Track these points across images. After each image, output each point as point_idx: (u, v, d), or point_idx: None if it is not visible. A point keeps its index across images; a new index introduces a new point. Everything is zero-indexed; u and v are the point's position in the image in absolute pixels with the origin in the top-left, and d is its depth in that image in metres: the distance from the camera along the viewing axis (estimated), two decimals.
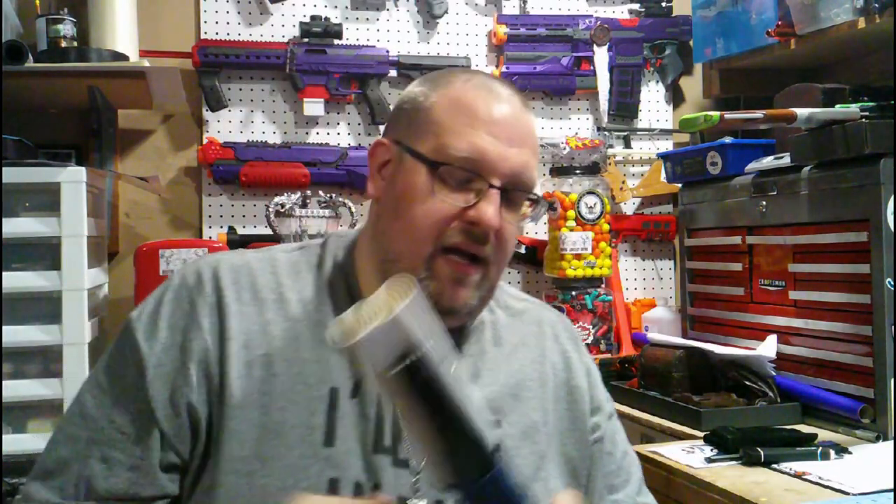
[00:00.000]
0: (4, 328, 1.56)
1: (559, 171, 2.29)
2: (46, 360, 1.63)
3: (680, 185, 2.12)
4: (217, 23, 2.22)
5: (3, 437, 1.55)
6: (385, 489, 0.90)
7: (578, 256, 2.22)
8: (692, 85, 2.51)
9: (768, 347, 1.73)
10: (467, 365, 1.00)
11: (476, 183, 0.91)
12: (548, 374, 1.05)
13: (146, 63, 1.87)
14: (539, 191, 1.10)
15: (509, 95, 0.96)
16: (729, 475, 1.32)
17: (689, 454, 1.44)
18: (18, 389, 1.60)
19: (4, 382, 1.57)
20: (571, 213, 2.22)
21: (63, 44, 1.89)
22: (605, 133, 2.43)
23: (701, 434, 1.53)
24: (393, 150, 0.97)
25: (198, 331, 0.92)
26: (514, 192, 0.93)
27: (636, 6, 2.49)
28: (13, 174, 1.61)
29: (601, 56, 2.41)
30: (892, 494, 1.18)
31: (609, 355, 2.16)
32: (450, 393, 0.68)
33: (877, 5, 1.74)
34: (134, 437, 0.89)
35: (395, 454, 0.92)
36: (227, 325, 0.93)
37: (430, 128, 0.94)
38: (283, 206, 2.04)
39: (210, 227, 2.20)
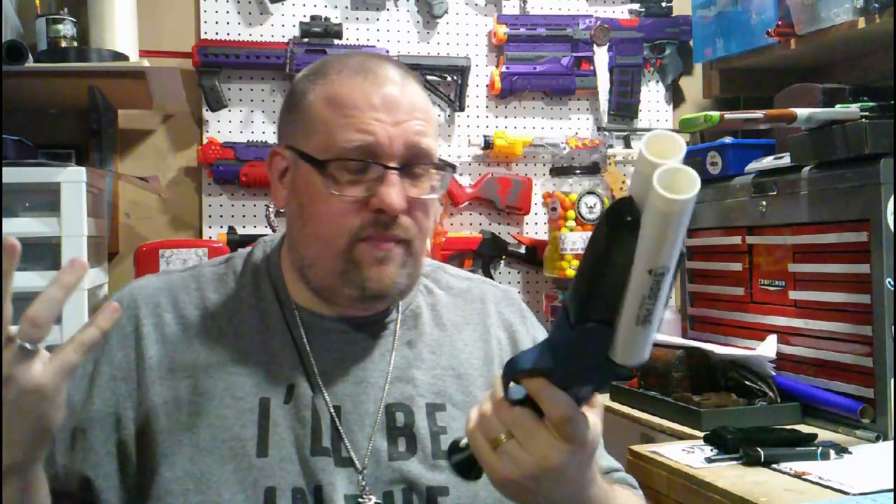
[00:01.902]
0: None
1: (559, 171, 2.29)
2: None
3: None
4: (217, 23, 2.22)
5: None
6: (327, 490, 0.90)
7: (578, 256, 2.22)
8: (692, 85, 2.51)
9: (768, 347, 1.73)
10: (407, 350, 1.00)
11: (372, 170, 0.90)
12: (493, 351, 1.04)
13: (146, 63, 1.87)
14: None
15: (386, 72, 0.94)
16: (729, 475, 1.32)
17: (689, 454, 1.44)
18: None
19: None
20: (571, 213, 2.22)
21: (63, 44, 1.89)
22: (605, 133, 2.43)
23: (701, 434, 1.53)
24: (288, 156, 0.96)
25: (108, 365, 0.93)
26: (414, 166, 0.92)
27: (636, 6, 2.49)
28: (13, 174, 1.61)
29: (601, 56, 2.41)
30: (892, 494, 1.18)
31: None
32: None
33: (877, 5, 1.74)
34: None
35: (336, 453, 0.92)
36: (146, 353, 0.93)
37: (314, 127, 0.93)
38: None
39: (210, 227, 2.20)
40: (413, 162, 0.92)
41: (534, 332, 1.09)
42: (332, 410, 0.94)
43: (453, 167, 0.98)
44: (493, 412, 0.72)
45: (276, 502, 0.89)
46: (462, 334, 1.03)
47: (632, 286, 0.61)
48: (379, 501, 0.91)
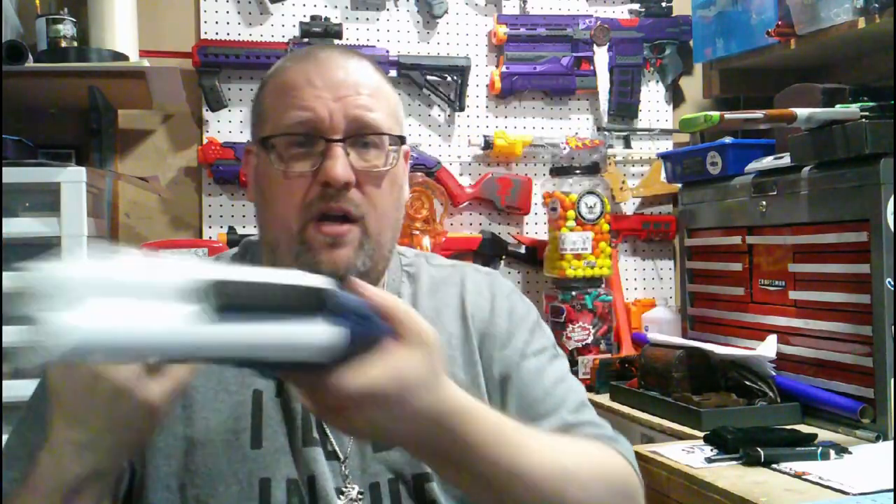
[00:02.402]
0: (4, 328, 1.56)
1: (559, 171, 2.29)
2: None
3: (680, 185, 2.12)
4: (217, 23, 2.22)
5: (3, 436, 1.55)
6: (320, 480, 0.90)
7: (578, 256, 2.22)
8: (692, 85, 2.51)
9: (768, 347, 1.73)
10: None
11: (316, 145, 0.91)
12: (471, 329, 1.03)
13: (146, 63, 1.87)
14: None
15: (331, 56, 0.96)
16: (729, 475, 1.32)
17: (689, 454, 1.44)
18: (18, 389, 1.59)
19: (4, 382, 1.57)
20: (571, 213, 2.22)
21: (63, 44, 1.89)
22: (605, 133, 2.43)
23: (701, 434, 1.53)
24: (253, 150, 0.99)
25: None
26: (360, 136, 0.92)
27: (636, 6, 2.49)
28: (13, 174, 1.61)
29: (601, 56, 2.41)
30: (892, 494, 1.18)
31: (609, 355, 2.16)
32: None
33: (877, 5, 1.74)
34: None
35: (324, 446, 0.93)
36: None
37: (266, 115, 0.96)
38: None
39: (210, 227, 2.20)
40: (357, 133, 0.92)
41: (510, 305, 1.05)
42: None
43: (402, 139, 0.97)
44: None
45: (272, 493, 0.90)
46: (442, 318, 1.02)
47: None
48: (362, 491, 0.92)
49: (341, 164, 0.90)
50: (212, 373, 0.93)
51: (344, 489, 0.92)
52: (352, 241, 0.92)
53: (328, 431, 0.94)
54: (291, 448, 0.92)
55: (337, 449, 0.94)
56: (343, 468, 0.93)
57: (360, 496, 0.92)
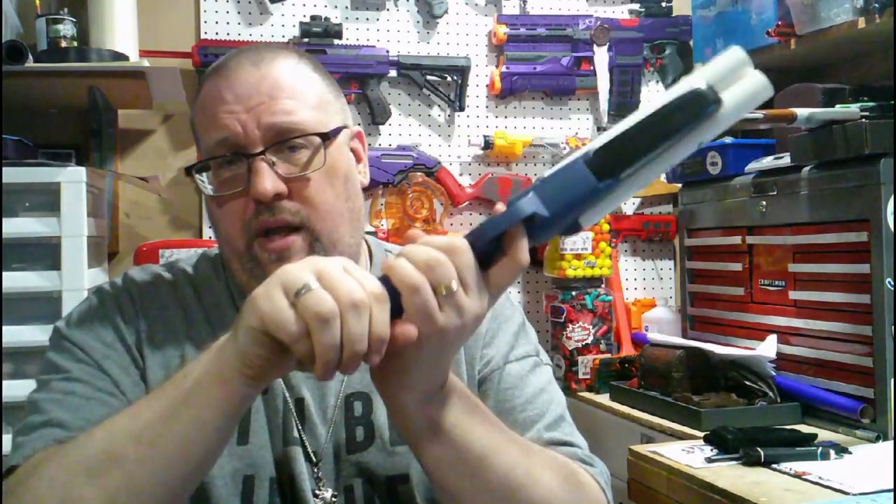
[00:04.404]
0: (4, 328, 1.56)
1: None
2: None
3: (680, 185, 2.12)
4: (217, 23, 2.22)
5: (3, 436, 1.55)
6: (298, 480, 0.91)
7: (578, 256, 2.22)
8: None
9: (768, 347, 1.73)
10: None
11: (240, 163, 0.89)
12: None
13: (146, 63, 1.87)
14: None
15: (240, 62, 0.92)
16: (729, 475, 1.32)
17: (689, 454, 1.44)
18: (18, 389, 1.60)
19: (4, 382, 1.57)
20: None
21: (63, 44, 1.89)
22: None
23: (701, 434, 1.53)
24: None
25: (119, 332, 0.93)
26: (280, 146, 0.89)
27: (636, 6, 2.49)
28: (13, 174, 1.61)
29: (601, 56, 2.41)
30: (892, 494, 1.18)
31: (609, 355, 2.16)
32: None
33: (877, 5, 1.74)
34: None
35: (304, 446, 0.93)
36: (143, 329, 0.94)
37: (197, 142, 0.96)
38: None
39: (210, 227, 2.20)
40: (275, 141, 0.89)
41: (495, 307, 1.04)
42: (293, 404, 0.95)
43: (325, 135, 0.92)
44: (453, 257, 0.68)
45: (255, 491, 0.90)
46: None
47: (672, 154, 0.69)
48: (336, 494, 0.92)
49: (267, 177, 0.87)
50: None
51: (317, 491, 0.91)
52: (299, 251, 0.89)
53: (304, 431, 0.94)
54: (273, 446, 0.92)
55: (310, 450, 0.94)
56: (316, 470, 0.93)
57: (333, 499, 0.92)
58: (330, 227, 0.91)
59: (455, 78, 2.31)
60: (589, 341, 2.19)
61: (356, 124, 1.05)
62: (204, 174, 0.92)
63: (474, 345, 1.00)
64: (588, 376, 2.10)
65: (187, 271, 1.01)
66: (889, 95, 1.62)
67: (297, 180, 0.89)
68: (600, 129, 2.44)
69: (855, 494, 1.20)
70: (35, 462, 0.80)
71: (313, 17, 2.22)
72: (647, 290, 2.48)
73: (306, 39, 2.21)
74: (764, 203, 1.77)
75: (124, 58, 1.92)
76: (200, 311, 0.97)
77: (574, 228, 0.72)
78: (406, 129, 2.34)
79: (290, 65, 0.93)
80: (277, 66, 0.92)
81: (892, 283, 1.48)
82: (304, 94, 0.92)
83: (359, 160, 1.00)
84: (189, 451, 0.72)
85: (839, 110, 1.57)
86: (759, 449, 1.37)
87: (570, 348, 2.17)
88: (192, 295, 0.98)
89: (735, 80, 0.68)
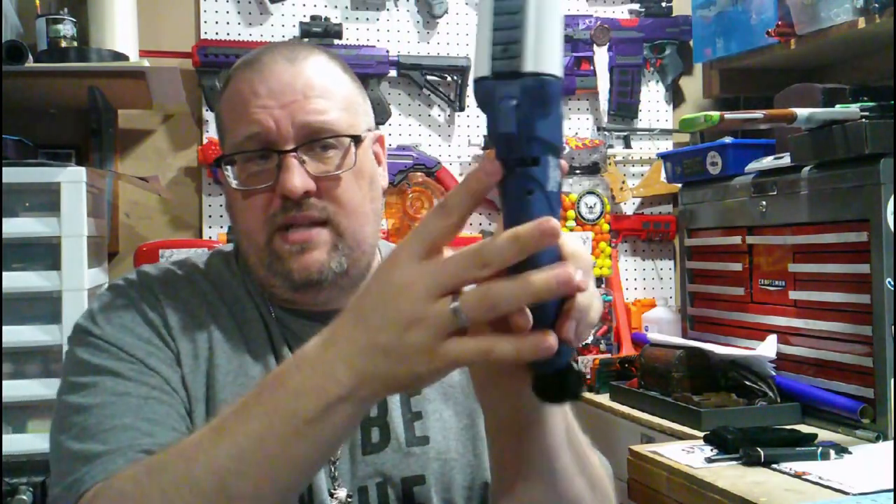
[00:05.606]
0: (4, 328, 1.56)
1: None
2: (46, 360, 1.63)
3: (680, 185, 2.12)
4: (217, 23, 2.22)
5: (3, 437, 1.55)
6: (315, 479, 0.89)
7: None
8: (692, 85, 2.51)
9: (768, 347, 1.73)
10: None
11: (270, 158, 0.89)
12: None
13: (146, 63, 1.87)
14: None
15: (274, 58, 0.92)
16: (729, 475, 1.32)
17: (689, 454, 1.44)
18: (18, 389, 1.60)
19: (4, 382, 1.57)
20: (571, 213, 2.22)
21: (63, 44, 1.89)
22: (605, 133, 2.43)
23: (701, 434, 1.53)
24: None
25: (154, 326, 0.91)
26: (312, 144, 0.89)
27: (636, 6, 2.49)
28: (13, 174, 1.61)
29: (601, 56, 2.41)
30: (892, 494, 1.18)
31: (609, 355, 2.16)
32: None
33: (877, 5, 1.74)
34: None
35: None
36: (170, 317, 0.92)
37: (222, 132, 0.95)
38: None
39: (210, 227, 2.20)
40: (309, 140, 0.89)
41: None
42: None
43: (357, 137, 0.92)
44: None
45: None
46: None
47: None
48: (351, 494, 0.91)
49: (297, 175, 0.87)
50: (233, 356, 0.92)
51: (333, 491, 0.91)
52: (322, 244, 0.90)
53: None
54: None
55: None
56: (332, 469, 0.92)
57: (348, 499, 0.91)
58: (355, 225, 0.92)
59: (455, 78, 2.31)
60: (589, 341, 2.19)
61: None
62: (229, 167, 0.92)
63: None
64: (588, 376, 2.10)
65: (200, 267, 1.00)
66: (889, 95, 1.62)
67: (328, 179, 0.90)
68: (600, 130, 2.44)
69: (855, 494, 1.20)
70: (130, 476, 0.74)
71: (313, 17, 2.22)
72: (647, 290, 2.48)
73: (306, 39, 2.21)
74: (764, 203, 1.77)
75: (124, 58, 1.92)
76: (223, 306, 0.96)
77: (549, 147, 0.60)
78: (406, 129, 2.34)
79: (322, 64, 0.94)
80: (311, 65, 0.92)
81: (892, 283, 1.48)
82: (335, 95, 0.93)
83: (379, 163, 1.01)
84: (309, 474, 0.70)
85: (839, 110, 1.57)
86: (759, 449, 1.37)
87: None
88: (210, 289, 0.97)
89: None
